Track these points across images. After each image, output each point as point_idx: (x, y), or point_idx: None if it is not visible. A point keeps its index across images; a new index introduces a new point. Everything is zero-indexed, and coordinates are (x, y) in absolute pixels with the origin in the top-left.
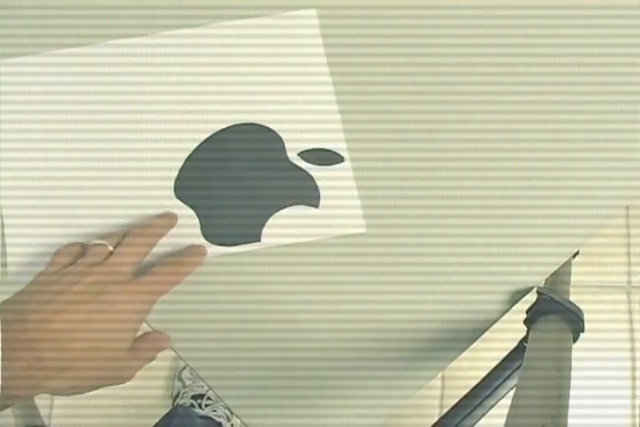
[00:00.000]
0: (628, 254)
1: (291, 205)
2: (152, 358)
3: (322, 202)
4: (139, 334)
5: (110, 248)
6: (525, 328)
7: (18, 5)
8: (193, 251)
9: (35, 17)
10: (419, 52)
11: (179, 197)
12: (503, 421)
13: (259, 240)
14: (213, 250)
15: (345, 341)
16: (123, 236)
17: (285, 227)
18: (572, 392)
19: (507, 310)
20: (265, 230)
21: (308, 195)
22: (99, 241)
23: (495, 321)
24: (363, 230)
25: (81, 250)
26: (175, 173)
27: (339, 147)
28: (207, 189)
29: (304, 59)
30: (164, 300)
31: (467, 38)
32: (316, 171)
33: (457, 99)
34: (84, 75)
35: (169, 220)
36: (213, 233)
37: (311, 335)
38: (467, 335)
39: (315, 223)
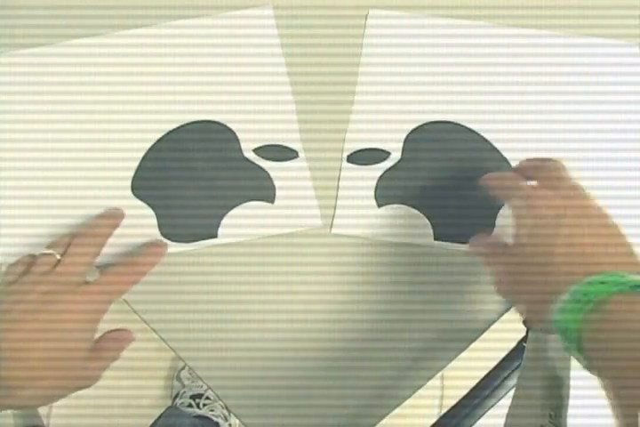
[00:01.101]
0: None
1: (246, 202)
2: (116, 358)
3: (277, 197)
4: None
5: (58, 257)
6: (524, 328)
7: None
8: (149, 250)
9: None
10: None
11: (136, 195)
12: (502, 421)
13: (215, 236)
14: (172, 248)
15: (344, 341)
16: (69, 241)
17: (242, 223)
18: (572, 392)
19: (506, 310)
20: (222, 226)
21: (264, 191)
22: (46, 251)
23: (494, 322)
24: (319, 224)
25: (32, 260)
26: (132, 172)
27: (293, 143)
28: (164, 186)
29: (261, 56)
30: (160, 300)
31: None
32: (271, 167)
33: None
34: (35, 75)
35: (112, 219)
36: (171, 230)
37: (311, 335)
38: (466, 335)
39: (271, 219)
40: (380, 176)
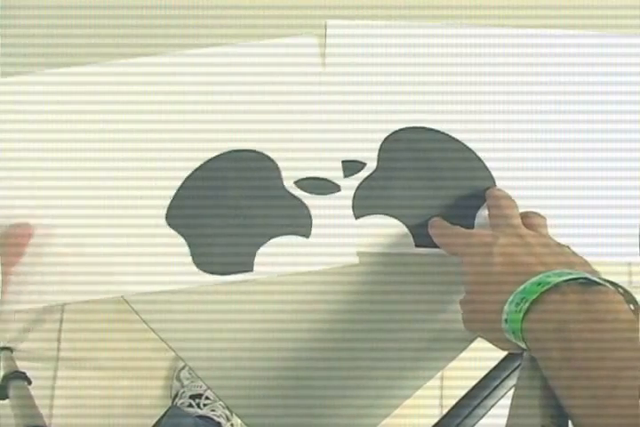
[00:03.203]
0: None
1: (283, 235)
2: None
3: (316, 231)
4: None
5: None
6: None
7: None
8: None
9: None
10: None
11: (170, 224)
12: (503, 421)
13: (251, 270)
14: (206, 279)
15: (344, 341)
16: None
17: (277, 256)
18: None
19: None
20: (257, 260)
21: (300, 224)
22: None
23: None
24: (355, 261)
25: None
26: (167, 201)
27: (335, 175)
28: (199, 216)
29: (303, 86)
30: (160, 300)
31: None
32: (311, 199)
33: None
34: (74, 96)
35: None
36: (205, 262)
37: (311, 335)
38: (465, 335)
39: (307, 253)
40: (357, 187)
